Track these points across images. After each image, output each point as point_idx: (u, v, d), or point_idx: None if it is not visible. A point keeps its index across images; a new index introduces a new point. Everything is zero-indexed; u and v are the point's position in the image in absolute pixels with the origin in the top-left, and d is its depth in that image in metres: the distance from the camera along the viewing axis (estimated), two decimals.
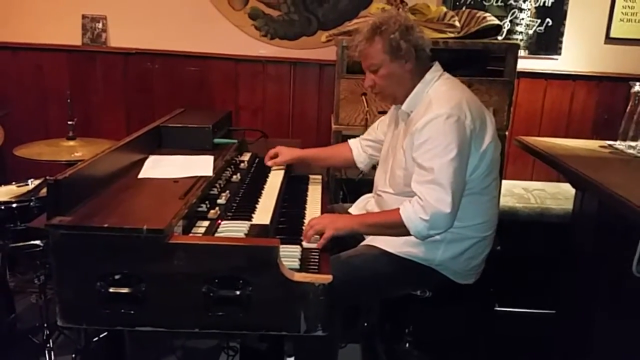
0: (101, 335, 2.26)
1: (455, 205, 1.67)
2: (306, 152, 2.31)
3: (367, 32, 1.79)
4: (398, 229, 1.70)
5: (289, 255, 1.52)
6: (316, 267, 1.51)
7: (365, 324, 2.41)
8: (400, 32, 1.75)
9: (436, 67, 1.86)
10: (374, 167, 2.17)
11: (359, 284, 1.76)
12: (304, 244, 1.67)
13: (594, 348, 2.04)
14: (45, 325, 2.30)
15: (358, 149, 2.22)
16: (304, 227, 1.77)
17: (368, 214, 1.98)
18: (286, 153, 2.27)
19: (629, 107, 2.22)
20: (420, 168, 1.71)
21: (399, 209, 1.70)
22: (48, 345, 2.28)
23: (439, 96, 1.76)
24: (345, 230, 1.74)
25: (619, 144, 2.29)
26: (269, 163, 2.26)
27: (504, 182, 2.76)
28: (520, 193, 2.95)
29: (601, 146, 2.36)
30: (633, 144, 2.21)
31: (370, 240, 1.90)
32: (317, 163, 2.35)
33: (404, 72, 1.80)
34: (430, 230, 1.67)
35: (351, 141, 2.26)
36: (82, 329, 2.22)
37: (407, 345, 2.17)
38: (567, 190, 2.78)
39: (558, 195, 2.91)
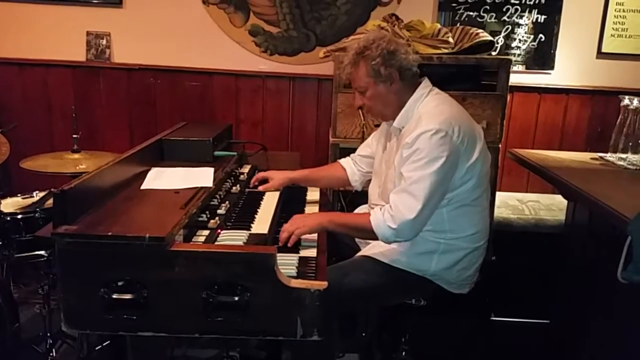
0: (104, 344, 2.29)
1: (423, 215, 1.72)
2: (298, 174, 2.27)
3: (352, 57, 1.84)
4: (366, 233, 1.78)
5: (287, 263, 1.57)
6: (313, 274, 1.56)
7: (363, 334, 2.44)
8: (382, 58, 1.79)
9: (425, 83, 1.91)
10: (368, 181, 2.21)
11: (354, 293, 1.80)
12: (301, 252, 1.72)
13: (587, 356, 2.07)
14: (49, 334, 2.34)
15: (352, 168, 2.23)
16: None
17: (340, 213, 2.03)
18: (277, 177, 2.21)
19: (618, 120, 2.26)
20: (402, 178, 1.76)
21: (369, 214, 1.77)
22: (51, 354, 2.33)
23: (428, 112, 1.81)
24: (315, 227, 1.80)
25: (609, 156, 2.33)
26: (260, 188, 2.20)
27: (498, 193, 2.80)
28: (514, 204, 2.99)
29: (592, 158, 2.40)
30: (623, 156, 2.25)
31: (365, 250, 1.94)
32: (309, 184, 2.34)
33: (390, 92, 1.85)
34: (397, 237, 1.74)
35: (342, 161, 2.27)
36: (85, 338, 2.25)
37: (404, 354, 2.20)
38: (560, 201, 2.79)
39: (552, 207, 2.95)
